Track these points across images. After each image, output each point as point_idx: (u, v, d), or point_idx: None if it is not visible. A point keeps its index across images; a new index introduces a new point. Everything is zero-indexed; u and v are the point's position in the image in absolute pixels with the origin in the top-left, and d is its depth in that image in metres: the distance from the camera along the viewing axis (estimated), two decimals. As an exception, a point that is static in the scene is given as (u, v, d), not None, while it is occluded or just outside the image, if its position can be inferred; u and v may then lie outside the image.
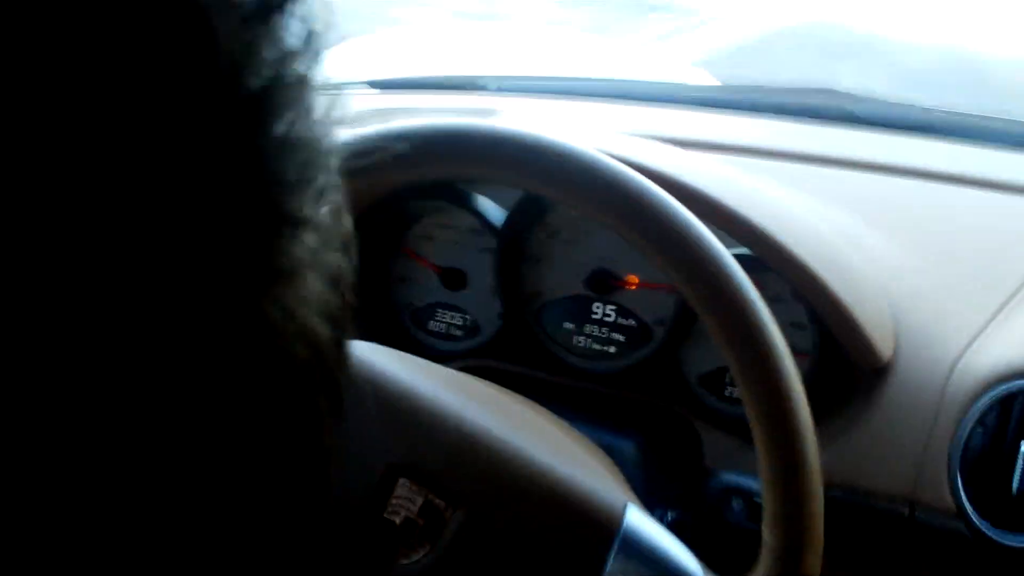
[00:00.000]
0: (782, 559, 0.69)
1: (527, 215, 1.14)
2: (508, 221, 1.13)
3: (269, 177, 0.27)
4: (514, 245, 1.14)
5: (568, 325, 1.15)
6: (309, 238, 0.29)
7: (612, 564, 0.74)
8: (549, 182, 0.73)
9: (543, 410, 0.88)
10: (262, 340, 0.27)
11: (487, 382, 0.90)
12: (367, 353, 0.83)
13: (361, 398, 0.81)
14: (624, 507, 0.76)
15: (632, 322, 1.12)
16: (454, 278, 1.19)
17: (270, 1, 0.27)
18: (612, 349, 1.13)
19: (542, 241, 1.16)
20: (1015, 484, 0.92)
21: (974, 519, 0.93)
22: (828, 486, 0.93)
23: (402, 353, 0.87)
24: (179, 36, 0.25)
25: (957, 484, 0.95)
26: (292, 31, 0.28)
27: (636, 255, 1.10)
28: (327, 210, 0.30)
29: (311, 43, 0.28)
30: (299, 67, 0.28)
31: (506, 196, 1.16)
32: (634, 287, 1.13)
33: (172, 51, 0.25)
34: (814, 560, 0.69)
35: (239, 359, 0.27)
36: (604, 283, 1.13)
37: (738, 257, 0.76)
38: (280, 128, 0.27)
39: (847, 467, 0.99)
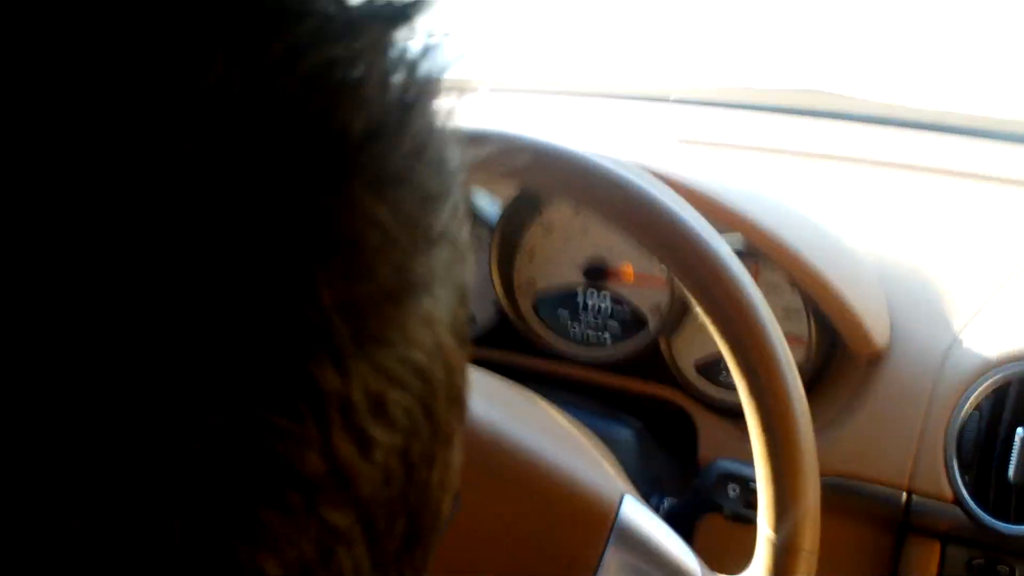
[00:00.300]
0: (781, 537, 0.69)
1: (522, 210, 1.14)
2: (503, 217, 1.13)
3: (417, 190, 0.26)
4: (509, 240, 1.15)
5: (564, 315, 1.15)
6: (444, 253, 0.27)
7: (608, 554, 0.73)
8: (542, 178, 0.73)
9: (538, 399, 0.88)
10: (402, 353, 0.26)
11: (483, 371, 0.90)
12: None
13: None
14: (621, 497, 0.76)
15: (627, 310, 1.12)
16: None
17: (405, 10, 0.26)
18: (607, 338, 1.13)
19: (537, 233, 1.16)
20: (1011, 471, 0.92)
21: (971, 506, 0.93)
22: (824, 474, 0.93)
23: None
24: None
25: (954, 471, 0.95)
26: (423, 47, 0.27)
27: (631, 245, 1.11)
28: (460, 225, 0.29)
29: (436, 58, 0.27)
30: (429, 84, 0.27)
31: (501, 191, 1.16)
32: (629, 277, 1.13)
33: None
34: (813, 535, 0.69)
35: (392, 380, 0.26)
36: (599, 273, 1.13)
37: (734, 246, 0.76)
38: (419, 141, 0.26)
39: (843, 455, 0.99)
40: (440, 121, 0.28)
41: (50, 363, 0.21)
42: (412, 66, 0.26)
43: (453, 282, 0.28)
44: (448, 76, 0.28)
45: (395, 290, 0.25)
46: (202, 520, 0.22)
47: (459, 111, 0.29)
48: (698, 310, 0.70)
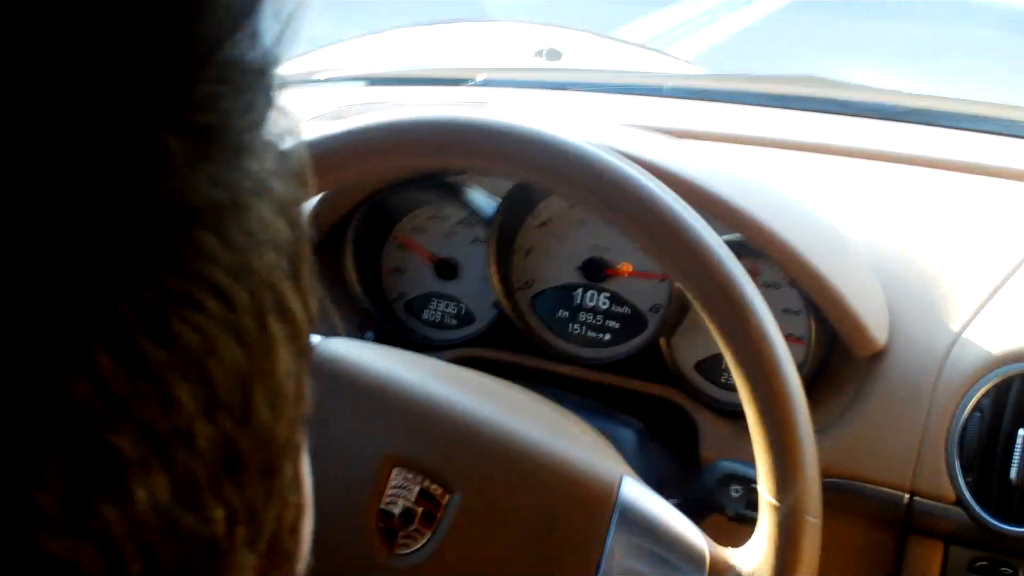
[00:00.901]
0: (784, 504, 0.68)
1: (519, 205, 1.14)
2: (499, 211, 1.13)
3: (201, 100, 0.26)
4: (506, 235, 1.14)
5: (562, 313, 1.14)
6: (254, 165, 0.27)
7: (613, 537, 0.74)
8: (540, 172, 0.73)
9: (533, 393, 0.88)
10: (201, 277, 0.25)
11: (475, 371, 0.90)
12: (352, 351, 0.84)
13: (351, 394, 0.81)
14: (620, 480, 0.76)
15: (626, 309, 1.12)
16: (447, 268, 1.19)
17: None
18: (606, 337, 1.13)
19: (534, 230, 1.15)
20: (1013, 472, 0.92)
21: (974, 507, 0.93)
22: (825, 475, 0.93)
23: (388, 347, 0.87)
24: None
25: (955, 472, 0.94)
26: None
27: (629, 243, 1.10)
28: (277, 136, 0.28)
29: None
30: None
31: (498, 187, 1.15)
32: (627, 275, 1.12)
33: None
34: (816, 502, 0.68)
35: (176, 299, 0.25)
36: (597, 271, 1.13)
37: (731, 244, 0.75)
38: (217, 47, 0.26)
39: (844, 456, 0.99)
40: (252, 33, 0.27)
41: None
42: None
43: (271, 196, 0.27)
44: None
45: (184, 205, 0.25)
46: None
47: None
48: (696, 309, 0.70)
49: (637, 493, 0.76)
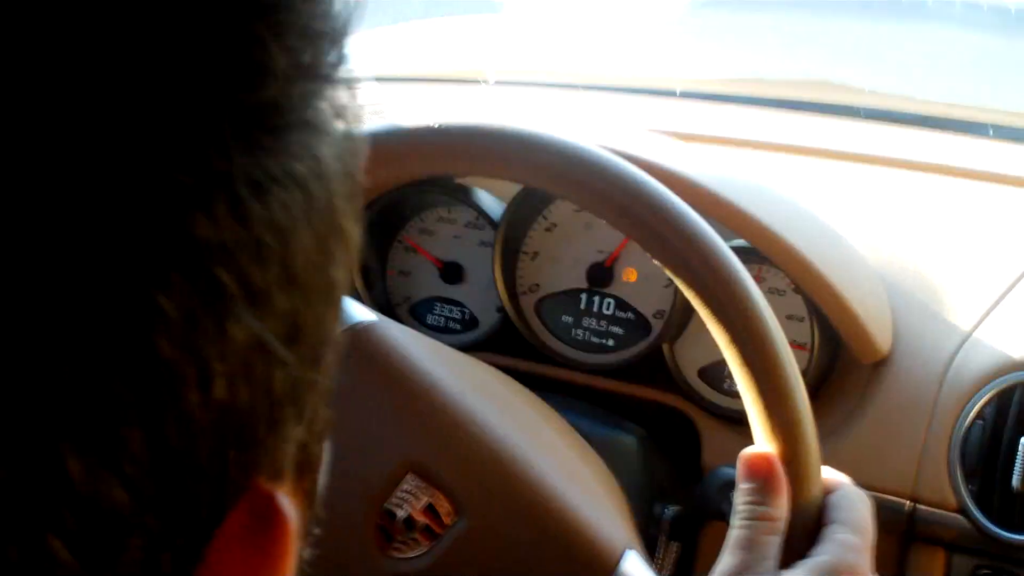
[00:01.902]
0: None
1: (526, 209, 1.14)
2: (507, 215, 1.13)
3: (304, 29, 0.31)
4: (512, 239, 1.14)
5: (566, 318, 1.14)
6: (331, 97, 0.32)
7: None
8: (546, 177, 0.73)
9: (566, 424, 0.88)
10: (291, 169, 0.30)
11: (511, 380, 0.89)
12: (404, 341, 0.82)
13: (390, 385, 0.80)
14: (623, 552, 0.76)
15: (630, 315, 1.12)
16: (452, 272, 1.19)
17: None
18: (610, 342, 1.13)
19: (540, 235, 1.16)
20: (1016, 480, 0.92)
21: (976, 515, 0.93)
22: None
23: (441, 345, 0.86)
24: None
25: (958, 480, 0.94)
26: None
27: (634, 248, 1.10)
28: (349, 76, 0.33)
29: None
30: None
31: (505, 190, 1.16)
32: (632, 280, 1.12)
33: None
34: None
35: (273, 178, 0.29)
36: (602, 276, 1.13)
37: (736, 249, 0.75)
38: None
39: (846, 463, 0.98)
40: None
41: None
42: None
43: (341, 131, 0.32)
44: None
45: (278, 108, 0.30)
46: (108, 264, 0.26)
47: None
48: (700, 315, 0.69)
49: (636, 570, 0.76)
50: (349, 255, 0.34)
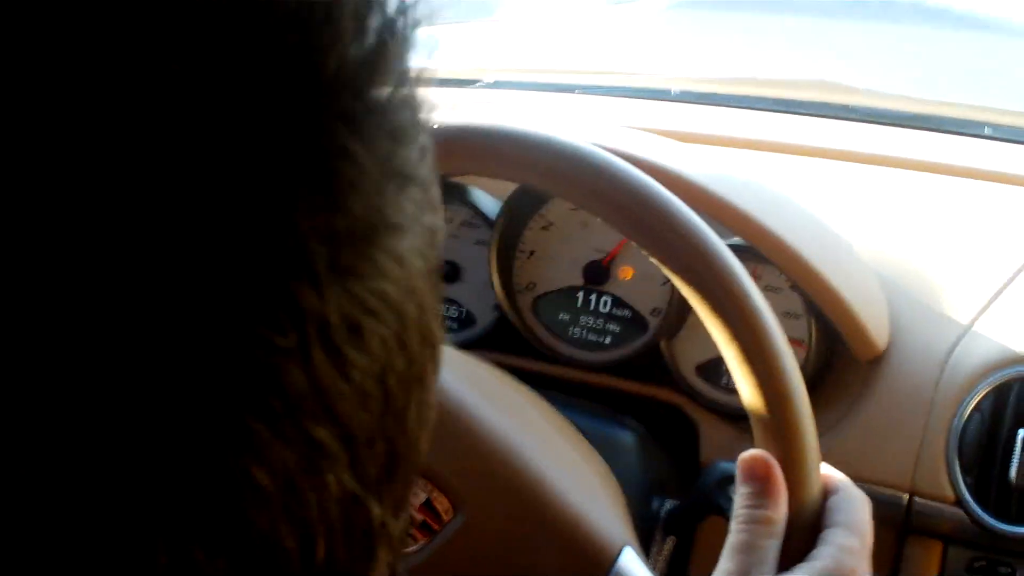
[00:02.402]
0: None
1: (522, 208, 1.14)
2: (503, 214, 1.13)
3: (389, 128, 0.28)
4: (509, 237, 1.14)
5: (563, 316, 1.15)
6: (415, 193, 0.29)
7: None
8: (543, 175, 0.73)
9: (564, 421, 0.88)
10: (375, 285, 0.27)
11: (510, 376, 0.89)
12: None
13: None
14: (621, 549, 0.76)
15: (627, 312, 1.12)
16: (449, 270, 1.19)
17: None
18: (607, 340, 1.13)
19: (537, 233, 1.16)
20: (1013, 473, 0.92)
21: (973, 507, 0.93)
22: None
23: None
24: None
25: (955, 473, 0.95)
26: None
27: (631, 246, 1.10)
28: (430, 170, 0.30)
29: (410, 10, 0.29)
30: (403, 27, 0.29)
31: (501, 189, 1.16)
32: (629, 278, 1.13)
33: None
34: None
35: (366, 311, 0.27)
36: (599, 274, 1.13)
37: (734, 247, 0.75)
38: (391, 82, 0.28)
39: (844, 457, 0.98)
40: (413, 65, 0.29)
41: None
42: (387, 10, 0.28)
43: (423, 225, 0.30)
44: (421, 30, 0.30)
45: (367, 224, 0.27)
46: (194, 432, 0.24)
47: (431, 60, 0.30)
48: (696, 311, 0.69)
49: (633, 565, 0.76)
50: (437, 357, 0.32)
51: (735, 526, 0.65)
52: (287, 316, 0.25)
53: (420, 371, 0.30)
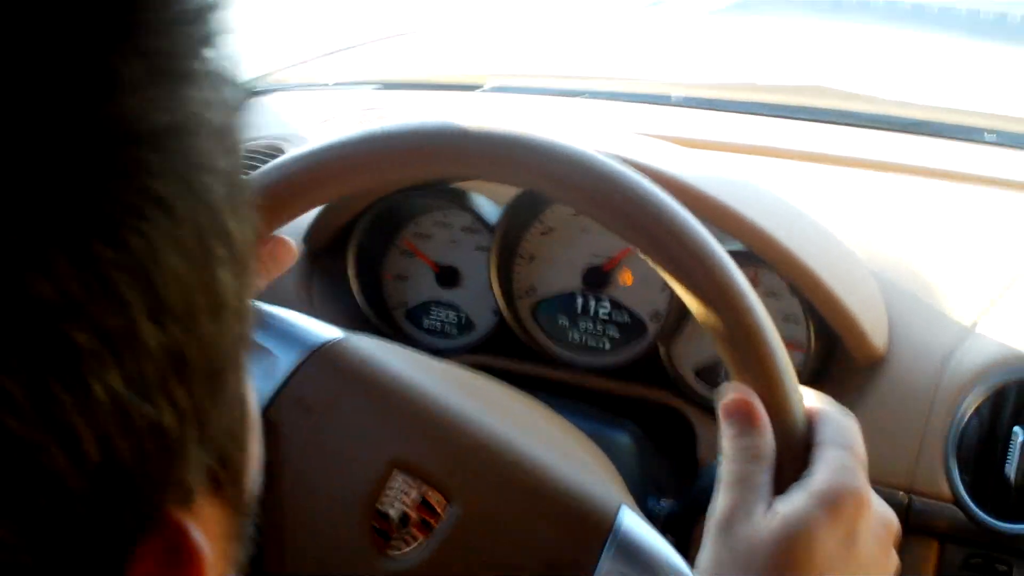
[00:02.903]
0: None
1: (522, 213, 1.14)
2: (503, 219, 1.13)
3: (149, 27, 0.28)
4: (509, 242, 1.15)
5: (563, 321, 1.15)
6: (193, 92, 0.29)
7: (603, 563, 0.74)
8: (540, 179, 0.73)
9: (541, 405, 0.88)
10: (146, 190, 0.28)
11: (486, 376, 0.90)
12: (375, 349, 0.84)
13: (366, 391, 0.81)
14: (618, 508, 0.76)
15: (626, 317, 1.13)
16: (449, 276, 1.20)
17: None
18: (607, 344, 1.13)
19: (537, 238, 1.16)
20: (1010, 472, 0.92)
21: (970, 506, 0.93)
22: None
23: (405, 348, 0.88)
24: None
25: (953, 473, 0.95)
26: None
27: (630, 250, 1.11)
28: (214, 66, 0.31)
29: None
30: None
31: (501, 194, 1.16)
32: (628, 283, 1.13)
33: None
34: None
35: (123, 208, 0.27)
36: (599, 279, 1.13)
37: (733, 252, 0.75)
38: None
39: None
40: None
41: None
42: None
43: (207, 122, 0.30)
44: None
45: (133, 120, 0.27)
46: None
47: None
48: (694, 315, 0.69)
49: (634, 524, 0.76)
50: (237, 255, 0.31)
51: (725, 464, 0.65)
52: (24, 225, 0.25)
53: (204, 271, 0.30)
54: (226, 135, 0.31)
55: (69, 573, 0.27)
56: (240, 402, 0.34)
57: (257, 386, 0.80)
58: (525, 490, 0.77)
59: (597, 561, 0.74)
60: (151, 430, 0.28)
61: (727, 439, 0.66)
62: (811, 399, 0.68)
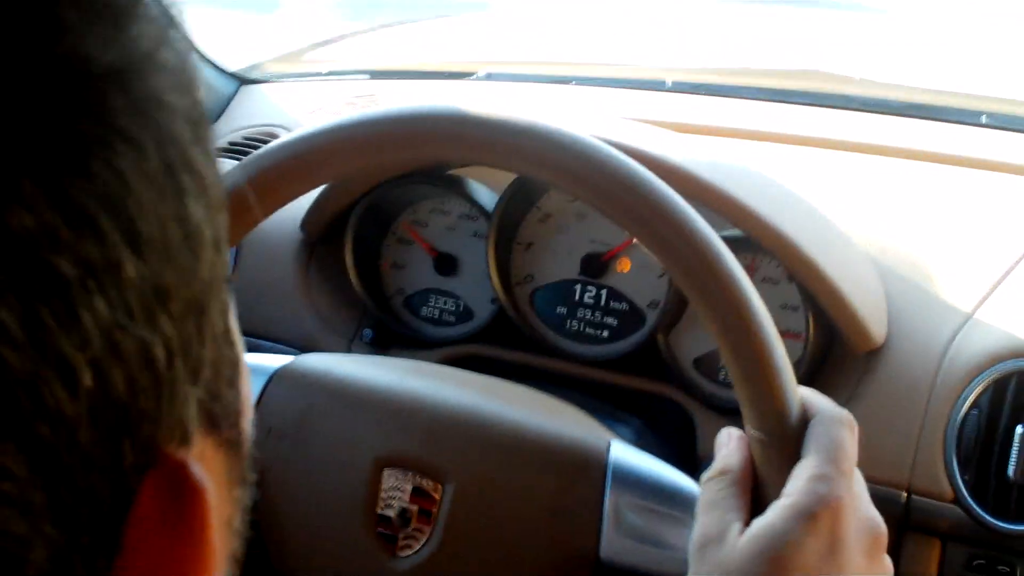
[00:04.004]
0: (766, 433, 0.66)
1: (519, 200, 1.14)
2: (500, 206, 1.13)
3: None
4: (506, 230, 1.14)
5: (561, 309, 1.14)
6: (140, 30, 0.30)
7: (609, 499, 0.74)
8: (537, 165, 0.72)
9: (511, 382, 0.88)
10: (111, 124, 0.29)
11: (450, 366, 0.91)
12: (328, 362, 0.85)
13: (333, 404, 0.82)
14: (608, 444, 0.76)
15: (624, 305, 1.12)
16: (447, 263, 1.19)
17: None
18: (605, 333, 1.13)
19: (534, 226, 1.16)
20: (1011, 470, 0.92)
21: (971, 505, 0.93)
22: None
23: (360, 355, 0.89)
24: None
25: (953, 470, 0.94)
26: None
27: (628, 238, 1.10)
28: (158, 9, 0.32)
29: None
30: None
31: (498, 181, 1.16)
32: (626, 271, 1.12)
33: None
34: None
35: (91, 142, 0.28)
36: (596, 267, 1.13)
37: (731, 239, 0.75)
38: None
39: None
40: None
41: None
42: None
43: (157, 62, 0.31)
44: None
45: (78, 60, 0.28)
46: None
47: None
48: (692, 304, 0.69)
49: (627, 455, 0.76)
50: (207, 190, 0.32)
51: (700, 487, 0.65)
52: (4, 159, 0.26)
53: (175, 202, 0.31)
54: (181, 74, 0.32)
55: (77, 511, 0.28)
56: (227, 341, 0.35)
57: None
58: (511, 450, 0.78)
59: (602, 499, 0.74)
60: (141, 359, 0.29)
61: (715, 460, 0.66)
62: (809, 396, 0.66)
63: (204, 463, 0.32)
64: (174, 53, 0.32)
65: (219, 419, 0.34)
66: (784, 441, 0.64)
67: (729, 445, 0.65)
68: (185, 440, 0.31)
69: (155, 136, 0.30)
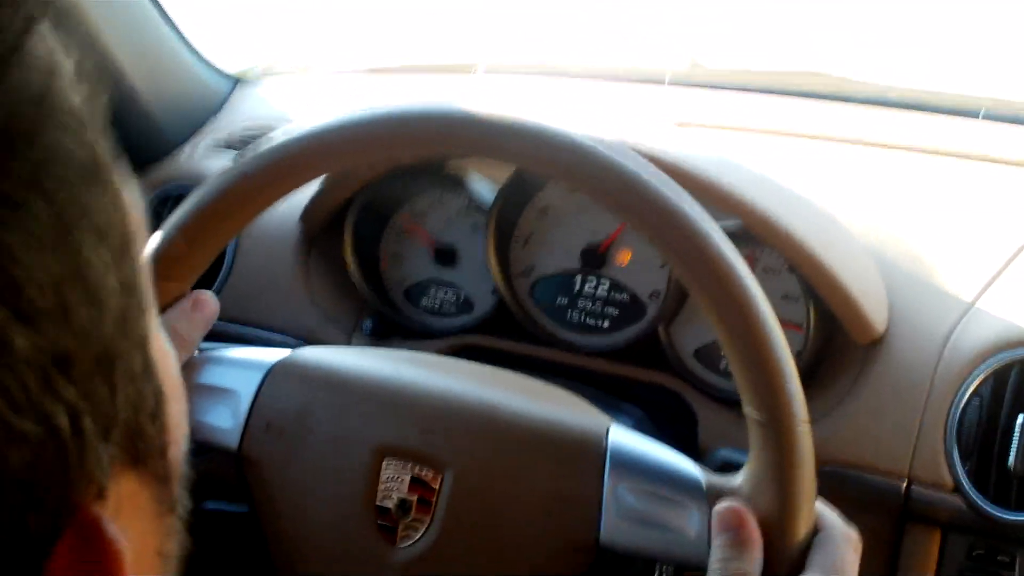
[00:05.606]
0: (765, 415, 0.66)
1: (518, 193, 1.14)
2: (499, 199, 1.13)
3: None
4: (505, 222, 1.14)
5: (561, 300, 1.14)
6: (27, 78, 0.29)
7: (608, 484, 0.74)
8: (536, 161, 0.72)
9: (508, 370, 0.89)
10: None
11: (445, 356, 0.91)
12: (323, 355, 0.85)
13: (330, 397, 0.82)
14: (606, 429, 0.76)
15: (625, 296, 1.12)
16: (447, 255, 1.19)
17: None
18: (606, 324, 1.12)
19: (534, 218, 1.16)
20: (1012, 459, 0.92)
21: (972, 495, 0.93)
22: (823, 463, 0.93)
23: (356, 347, 0.88)
24: None
25: (954, 459, 0.94)
26: None
27: (628, 230, 1.10)
28: (43, 54, 0.30)
29: None
30: None
31: (497, 175, 1.16)
32: (626, 262, 1.12)
33: None
34: (800, 404, 0.66)
35: None
36: (596, 258, 1.13)
37: (731, 231, 0.75)
38: None
39: (842, 443, 0.98)
40: None
41: None
42: None
43: (55, 113, 0.29)
44: None
45: None
46: None
47: None
48: (692, 295, 0.69)
49: (625, 439, 0.76)
50: (108, 234, 0.31)
51: None
52: None
53: (71, 260, 0.29)
54: (75, 113, 0.30)
55: None
56: (147, 376, 0.33)
57: (226, 425, 0.82)
58: (509, 436, 0.78)
59: (601, 483, 0.74)
60: (42, 433, 0.27)
61: (715, 551, 0.66)
62: (822, 508, 0.68)
63: (129, 499, 0.31)
64: (65, 90, 0.30)
65: (143, 455, 0.33)
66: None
67: (747, 548, 0.65)
68: (100, 495, 0.30)
69: (45, 195, 0.28)
